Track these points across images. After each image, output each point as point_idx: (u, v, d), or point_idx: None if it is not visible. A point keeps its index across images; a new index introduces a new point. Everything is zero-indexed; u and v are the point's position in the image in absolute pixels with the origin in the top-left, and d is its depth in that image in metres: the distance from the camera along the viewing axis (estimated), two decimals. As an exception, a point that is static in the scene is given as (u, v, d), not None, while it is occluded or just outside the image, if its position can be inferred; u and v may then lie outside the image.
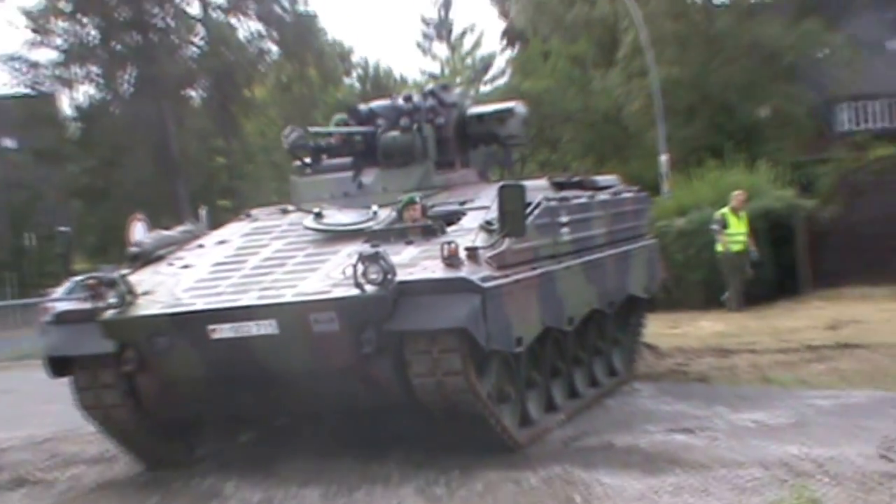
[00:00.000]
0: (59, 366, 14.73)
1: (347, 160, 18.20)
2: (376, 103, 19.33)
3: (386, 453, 14.48)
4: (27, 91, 77.11)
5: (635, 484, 13.20)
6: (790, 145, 50.54)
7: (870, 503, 11.40)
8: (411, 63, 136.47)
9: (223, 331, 13.49)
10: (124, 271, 15.07)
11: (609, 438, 16.05)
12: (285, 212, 17.23)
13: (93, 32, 74.80)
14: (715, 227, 31.44)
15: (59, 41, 75.38)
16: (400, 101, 18.82)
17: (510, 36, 67.55)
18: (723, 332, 27.43)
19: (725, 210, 31.30)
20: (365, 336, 13.16)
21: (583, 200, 18.25)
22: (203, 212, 19.50)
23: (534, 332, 15.11)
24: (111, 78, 74.59)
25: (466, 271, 13.41)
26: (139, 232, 17.20)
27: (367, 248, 13.23)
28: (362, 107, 19.34)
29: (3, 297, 58.54)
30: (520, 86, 56.88)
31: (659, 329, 26.76)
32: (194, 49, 76.55)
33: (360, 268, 12.89)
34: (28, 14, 73.92)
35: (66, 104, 78.19)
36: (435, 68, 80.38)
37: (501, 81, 65.97)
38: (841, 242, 30.78)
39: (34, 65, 75.89)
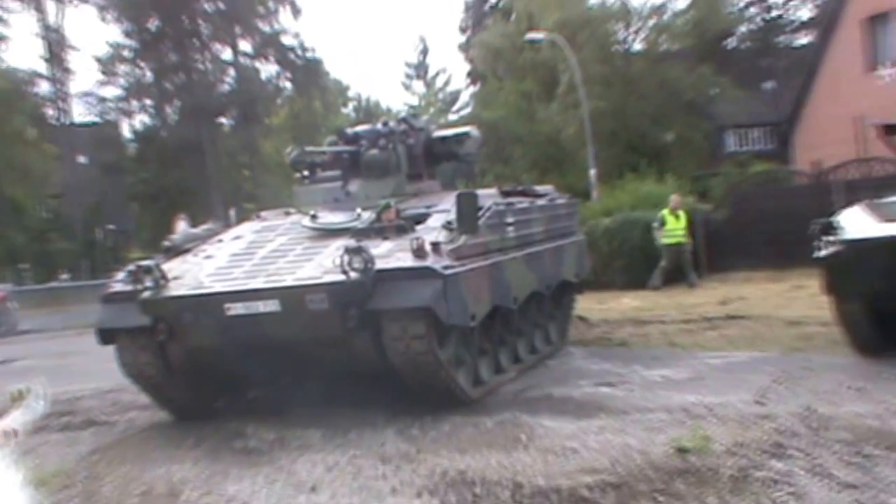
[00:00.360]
0: (106, 336, 15.14)
1: (337, 173, 18.42)
2: (361, 127, 19.51)
3: (372, 406, 14.44)
4: (97, 119, 77.58)
5: (569, 425, 13.24)
6: (690, 163, 50.75)
7: (748, 438, 11.41)
8: (396, 97, 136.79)
9: (236, 308, 13.81)
10: (159, 261, 15.39)
11: (549, 391, 16.12)
12: (288, 214, 17.45)
13: (148, 74, 75.06)
14: (656, 224, 31.46)
15: (122, 81, 75.89)
16: (379, 126, 18.98)
17: (473, 76, 67.49)
18: (639, 307, 27.47)
19: (664, 211, 31.26)
20: (349, 313, 13.43)
21: (525, 205, 18.48)
22: (232, 213, 19.69)
23: (485, 310, 15.30)
24: (161, 109, 74.79)
25: (431, 261, 13.71)
26: (181, 228, 17.04)
27: (351, 243, 13.71)
28: (349, 130, 19.57)
29: (79, 278, 58.23)
30: (480, 115, 56.93)
31: (589, 305, 26.75)
32: (226, 86, 76.44)
33: (346, 259, 13.30)
34: (99, 60, 74.54)
35: (126, 129, 78.20)
36: (414, 101, 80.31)
37: (466, 111, 65.82)
38: (729, 237, 30.84)
39: (102, 99, 76.65)
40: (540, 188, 21.60)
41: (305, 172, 18.99)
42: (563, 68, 49.72)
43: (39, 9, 71.69)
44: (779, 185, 38.08)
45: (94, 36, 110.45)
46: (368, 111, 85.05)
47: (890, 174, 27.92)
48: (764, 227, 30.12)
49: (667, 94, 52.20)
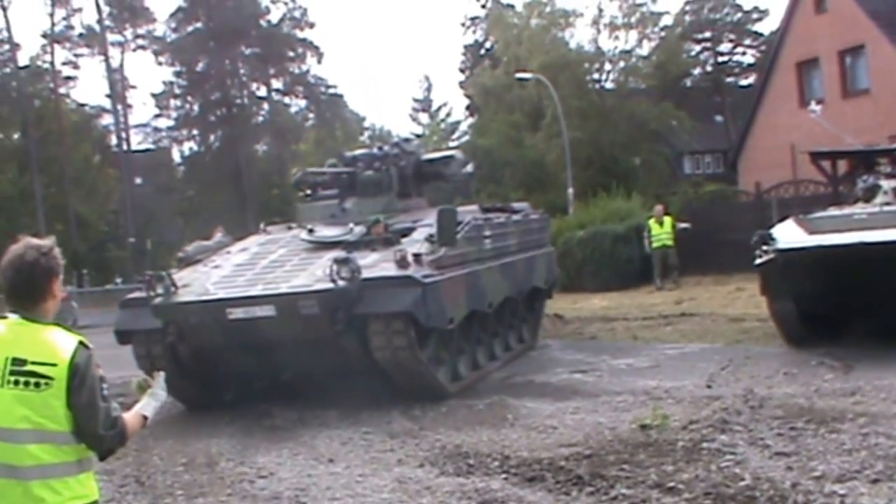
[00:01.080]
0: (124, 336, 15.01)
1: (336, 192, 18.20)
2: (358, 151, 19.44)
3: (380, 390, 14.34)
4: (151, 146, 77.48)
5: (548, 406, 13.38)
6: (653, 183, 50.67)
7: (699, 415, 11.52)
8: (405, 127, 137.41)
9: (237, 313, 13.69)
10: (172, 270, 15.31)
11: (531, 377, 16.28)
12: (290, 228, 17.25)
13: (195, 107, 74.79)
14: (645, 233, 31.30)
15: (173, 113, 75.52)
16: (374, 150, 18.97)
17: (471, 109, 67.46)
18: (607, 307, 27.47)
19: (650, 221, 31.15)
20: (338, 317, 13.38)
21: (501, 220, 18.25)
22: (263, 226, 19.05)
23: (463, 314, 15.11)
24: (206, 137, 74.61)
25: (412, 271, 13.64)
26: (217, 238, 16.92)
27: (340, 255, 13.71)
28: (347, 153, 19.40)
29: (130, 282, 58.00)
30: (476, 142, 57.13)
31: (564, 305, 26.82)
32: (261, 118, 76.46)
33: (335, 269, 13.26)
34: (154, 96, 74.32)
35: (175, 155, 78.22)
36: (420, 130, 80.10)
37: (464, 139, 65.80)
38: (684, 247, 30.78)
39: (156, 129, 76.50)
40: (517, 205, 21.35)
41: (308, 192, 19.01)
42: (546, 103, 49.79)
43: (104, 53, 71.82)
44: (726, 203, 38.11)
45: (150, 75, 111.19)
46: (381, 139, 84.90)
47: (818, 193, 27.90)
48: (713, 237, 30.12)
49: (634, 125, 52.40)
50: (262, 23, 75.76)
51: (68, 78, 72.33)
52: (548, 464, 9.91)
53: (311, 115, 79.47)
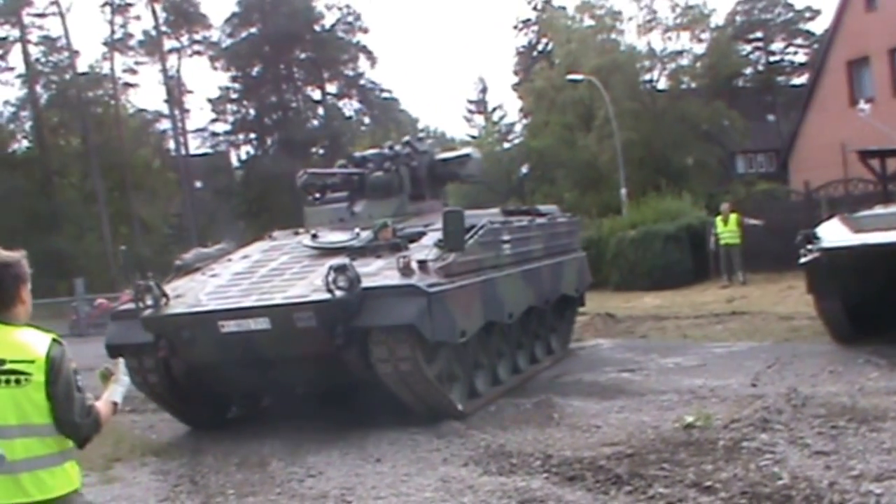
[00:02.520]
0: (114, 351, 12.92)
1: (345, 194, 17.22)
2: (369, 151, 18.42)
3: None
4: (209, 151, 78.03)
5: (594, 406, 13.42)
6: (706, 183, 50.44)
7: (742, 414, 11.48)
8: (459, 129, 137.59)
9: (229, 326, 12.60)
10: (168, 279, 14.54)
11: (579, 376, 16.33)
12: (297, 233, 16.12)
13: (251, 112, 75.36)
14: (711, 229, 31.12)
15: (230, 118, 76.17)
16: (385, 150, 17.82)
17: (524, 111, 67.29)
18: (659, 305, 27.40)
19: (717, 218, 30.93)
20: (337, 331, 12.20)
21: (523, 224, 16.95)
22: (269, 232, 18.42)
23: (477, 326, 13.89)
24: (262, 141, 75.15)
25: (416, 279, 12.42)
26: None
27: (338, 262, 12.47)
28: (357, 154, 18.56)
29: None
30: (530, 143, 57.14)
31: (617, 303, 26.97)
32: (316, 122, 76.81)
33: (332, 277, 12.12)
34: (211, 101, 75.30)
35: (233, 159, 78.69)
36: (475, 132, 80.00)
37: (518, 141, 65.63)
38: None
39: (214, 134, 77.43)
40: (544, 207, 20.08)
41: (317, 195, 17.73)
42: (598, 105, 49.61)
43: (161, 60, 72.42)
44: (777, 202, 37.94)
45: (206, 80, 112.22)
46: (437, 141, 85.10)
47: (867, 192, 27.70)
48: (764, 236, 29.92)
49: (686, 125, 52.14)
50: (316, 27, 76.20)
51: (127, 84, 73.22)
52: (589, 463, 9.95)
53: (365, 118, 79.75)
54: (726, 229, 30.32)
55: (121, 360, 5.80)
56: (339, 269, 12.17)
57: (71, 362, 5.10)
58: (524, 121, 67.98)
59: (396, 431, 12.56)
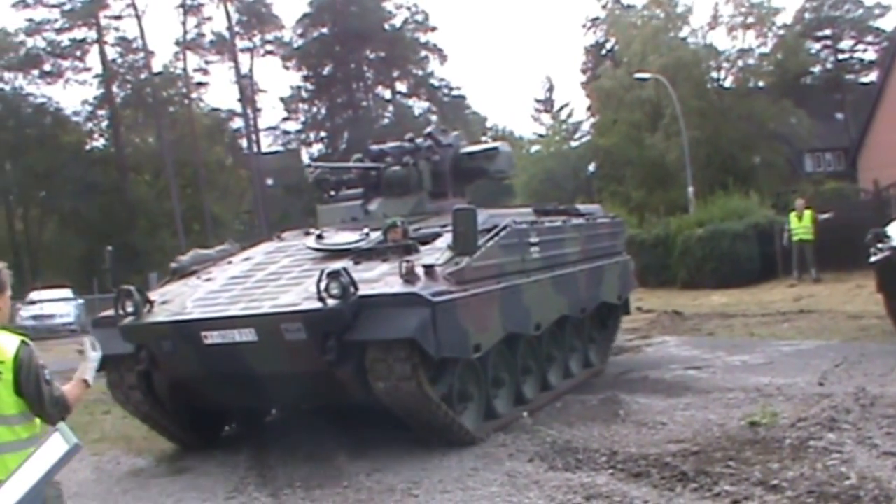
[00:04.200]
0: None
1: (360, 191, 15.64)
2: (388, 144, 16.45)
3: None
4: (281, 149, 78.69)
5: (660, 403, 13.29)
6: (774, 181, 50.19)
7: (809, 413, 11.34)
8: (527, 127, 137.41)
9: (213, 337, 11.13)
10: (162, 283, 13.46)
11: (645, 373, 16.17)
12: (307, 233, 14.21)
13: (322, 111, 76.03)
14: (785, 226, 30.80)
15: (301, 117, 76.81)
16: (405, 143, 16.22)
17: (592, 109, 67.09)
18: (726, 303, 27.21)
19: (791, 214, 30.58)
20: (328, 345, 10.65)
21: (556, 224, 15.17)
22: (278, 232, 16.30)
23: (495, 339, 12.18)
24: (333, 139, 75.54)
25: (420, 287, 10.76)
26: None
27: (333, 267, 10.95)
28: (374, 147, 16.45)
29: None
30: (597, 142, 57.06)
31: (684, 301, 26.85)
32: (385, 120, 77.09)
33: (324, 284, 10.58)
34: (283, 100, 76.05)
35: (305, 156, 79.12)
36: (542, 130, 79.77)
37: (586, 139, 65.45)
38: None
39: (285, 132, 78.12)
40: (584, 207, 18.40)
41: (331, 192, 16.15)
42: (665, 103, 49.48)
43: (234, 60, 72.98)
44: (846, 200, 37.57)
45: (278, 80, 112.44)
46: (504, 139, 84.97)
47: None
48: (833, 235, 29.59)
49: (753, 124, 51.94)
50: (386, 27, 76.52)
51: (200, 83, 73.93)
52: (654, 460, 9.87)
53: (433, 117, 79.89)
54: (801, 225, 29.96)
55: (88, 337, 6.38)
56: (333, 275, 10.65)
57: (38, 359, 5.72)
58: (591, 119, 67.82)
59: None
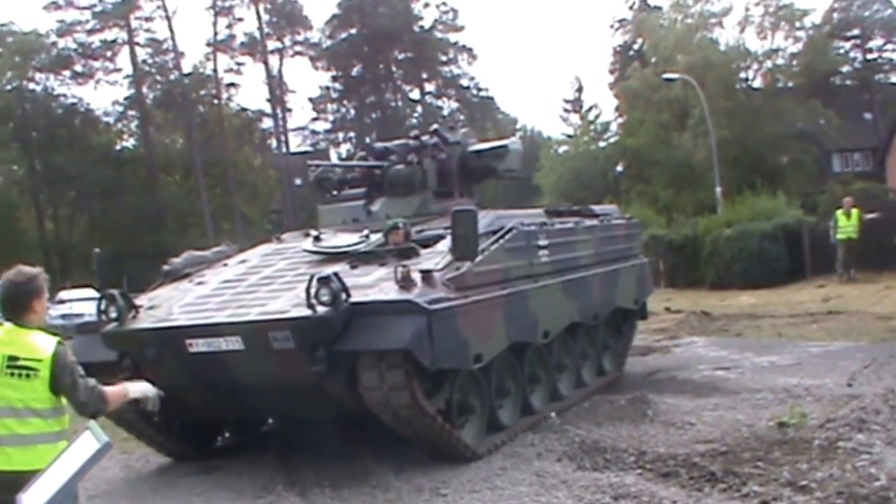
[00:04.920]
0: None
1: (363, 191, 14.88)
2: (393, 142, 15.65)
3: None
4: (309, 148, 78.87)
5: (688, 403, 13.27)
6: (801, 182, 50.07)
7: (837, 414, 11.30)
8: (556, 128, 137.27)
9: (198, 345, 10.51)
10: (153, 287, 12.73)
11: (673, 374, 16.15)
12: (307, 235, 13.33)
13: (351, 111, 76.24)
14: (831, 223, 30.48)
15: (330, 117, 77.15)
16: (410, 140, 15.38)
17: (620, 110, 67.04)
18: (754, 304, 27.09)
19: (838, 212, 30.39)
20: (317, 355, 9.95)
21: (567, 226, 14.40)
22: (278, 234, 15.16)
23: (498, 348, 11.47)
24: (362, 139, 75.50)
25: (416, 293, 10.07)
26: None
27: (322, 272, 10.34)
28: (378, 144, 15.76)
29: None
30: (625, 142, 57.01)
31: (712, 302, 26.77)
32: (414, 120, 77.16)
33: (314, 289, 9.92)
34: (311, 100, 76.34)
35: (333, 156, 79.18)
36: (570, 131, 79.75)
37: (614, 139, 65.35)
38: (832, 245, 30.20)
39: (314, 132, 78.21)
40: (599, 207, 17.40)
41: (334, 191, 15.52)
42: (693, 103, 49.40)
43: (264, 60, 73.24)
44: (874, 201, 37.34)
45: (307, 80, 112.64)
46: (532, 140, 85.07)
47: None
48: (861, 236, 29.43)
49: (781, 124, 51.76)
50: (415, 28, 76.65)
51: (230, 84, 74.17)
52: (682, 460, 9.85)
53: (462, 117, 79.97)
54: (849, 223, 29.77)
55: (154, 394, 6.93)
56: (323, 281, 9.96)
57: (73, 358, 6.24)
58: (619, 119, 67.76)
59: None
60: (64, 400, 6.23)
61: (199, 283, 12.21)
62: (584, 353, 14.91)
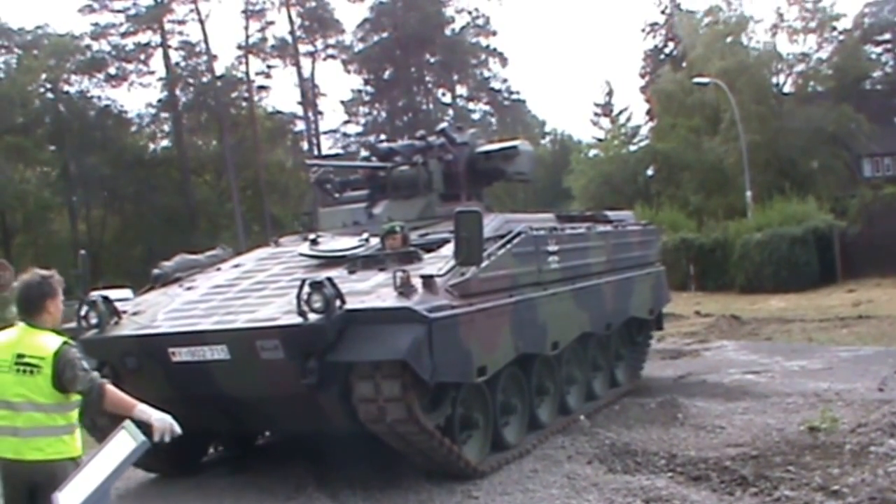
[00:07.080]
0: None
1: (365, 193, 14.39)
2: (399, 143, 15.31)
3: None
4: (341, 151, 78.87)
5: (718, 407, 13.29)
6: (832, 186, 49.92)
7: (868, 419, 11.31)
8: (586, 131, 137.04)
9: (182, 354, 9.88)
10: (141, 291, 12.27)
11: (703, 377, 16.18)
12: (305, 239, 12.61)
13: (382, 114, 76.33)
14: None
15: (361, 120, 77.20)
16: (416, 141, 14.89)
17: (651, 113, 66.91)
18: (784, 308, 27.14)
19: None
20: (308, 366, 9.29)
21: (579, 231, 13.75)
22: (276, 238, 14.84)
23: (504, 360, 10.81)
24: (392, 141, 75.61)
25: (415, 300, 9.36)
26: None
27: (315, 277, 9.60)
28: (383, 145, 15.30)
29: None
30: (656, 146, 56.89)
31: (742, 305, 26.74)
32: (445, 124, 76.93)
33: (305, 296, 9.27)
34: (343, 103, 76.49)
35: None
36: (601, 134, 79.61)
37: (645, 143, 65.13)
38: (862, 249, 30.14)
39: (345, 135, 78.38)
40: (613, 213, 16.70)
41: (336, 193, 14.92)
42: (724, 108, 49.28)
43: (296, 64, 73.43)
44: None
45: (339, 83, 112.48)
46: (562, 143, 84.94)
47: None
48: (892, 239, 29.38)
49: (812, 128, 51.46)
50: (447, 31, 76.77)
51: (262, 87, 74.19)
52: (713, 463, 9.86)
53: (492, 120, 79.95)
54: None
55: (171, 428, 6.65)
56: (316, 286, 9.31)
57: (79, 357, 6.43)
58: (650, 123, 67.59)
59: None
60: (73, 396, 6.45)
61: (189, 289, 11.70)
62: (595, 365, 14.45)
